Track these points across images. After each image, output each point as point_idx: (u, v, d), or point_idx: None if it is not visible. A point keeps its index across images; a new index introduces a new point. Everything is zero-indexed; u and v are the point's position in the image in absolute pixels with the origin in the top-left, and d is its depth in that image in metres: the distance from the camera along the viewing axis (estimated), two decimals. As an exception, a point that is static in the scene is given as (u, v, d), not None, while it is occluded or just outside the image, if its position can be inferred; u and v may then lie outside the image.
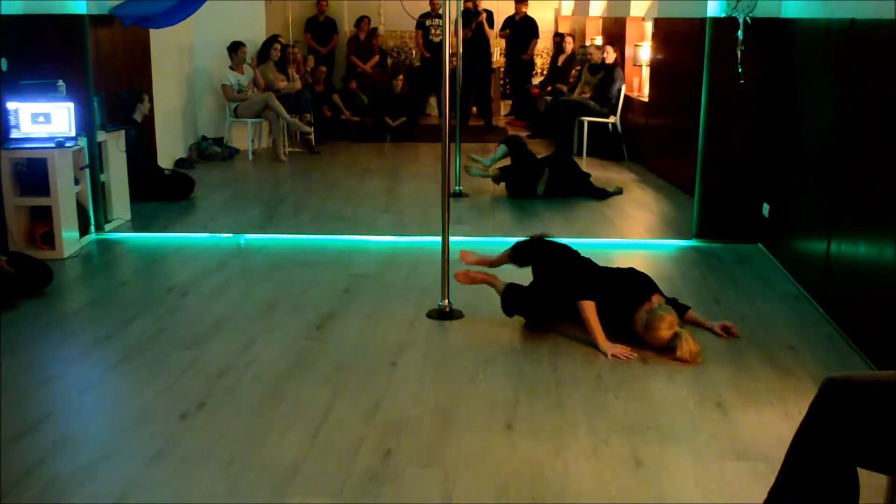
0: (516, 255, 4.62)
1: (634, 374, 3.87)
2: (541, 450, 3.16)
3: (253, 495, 2.86)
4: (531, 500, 2.83)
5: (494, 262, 4.79)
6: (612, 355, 4.02)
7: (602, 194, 7.63)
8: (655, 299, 4.20)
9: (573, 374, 3.85)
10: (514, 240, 4.63)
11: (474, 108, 12.44)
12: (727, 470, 3.03)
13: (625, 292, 4.23)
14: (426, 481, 2.94)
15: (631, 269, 4.49)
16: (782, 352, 4.11)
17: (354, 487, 2.90)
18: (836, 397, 2.14)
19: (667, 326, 4.03)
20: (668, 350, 4.02)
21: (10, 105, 5.78)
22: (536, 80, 12.89)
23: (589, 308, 4.15)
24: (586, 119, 9.72)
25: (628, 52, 10.16)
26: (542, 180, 7.59)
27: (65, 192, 5.72)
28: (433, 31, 11.70)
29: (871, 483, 2.35)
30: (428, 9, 11.72)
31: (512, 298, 4.45)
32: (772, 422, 3.40)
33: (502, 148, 7.92)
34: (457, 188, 7.62)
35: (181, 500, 2.83)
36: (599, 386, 3.73)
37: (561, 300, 4.33)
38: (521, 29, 12.20)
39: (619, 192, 7.77)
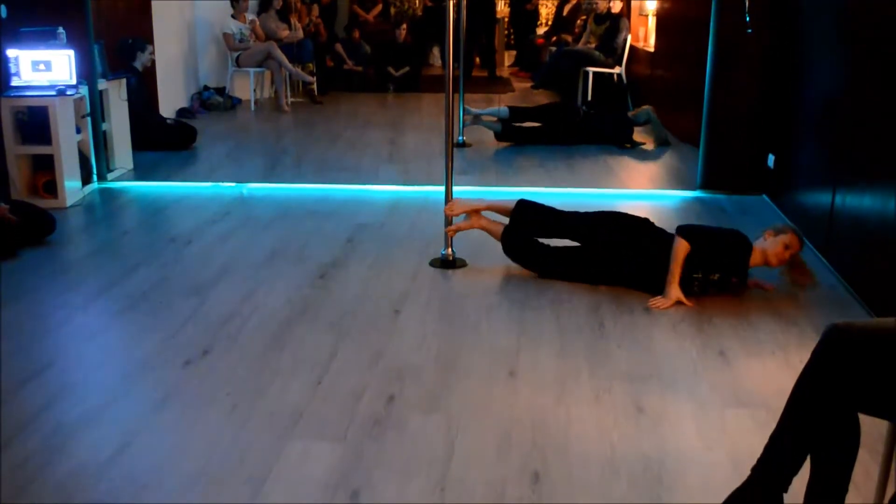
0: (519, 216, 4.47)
1: (637, 322, 3.87)
2: (543, 397, 3.18)
3: (257, 440, 2.88)
4: (533, 446, 2.85)
5: (492, 208, 4.58)
6: (677, 299, 4.03)
7: (627, 143, 7.68)
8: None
9: (576, 322, 3.86)
10: (516, 190, 4.55)
11: (478, 59, 12.33)
12: (728, 417, 3.04)
13: (733, 251, 4.19)
14: (429, 427, 2.96)
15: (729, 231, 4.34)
16: (785, 302, 4.11)
17: (358, 432, 2.92)
18: (838, 343, 2.14)
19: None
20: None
21: (11, 52, 5.73)
22: (541, 31, 12.77)
23: (684, 249, 4.08)
24: (591, 69, 9.63)
25: (634, 1, 10.04)
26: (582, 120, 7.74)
27: (66, 141, 5.69)
28: (437, -21, 11.58)
29: (871, 429, 2.36)
30: (432, -43, 11.59)
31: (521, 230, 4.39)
32: (773, 370, 3.42)
33: (504, 110, 7.82)
34: (460, 138, 7.58)
35: (185, 446, 2.85)
36: (602, 334, 3.74)
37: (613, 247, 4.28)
38: (527, -22, 12.08)
39: (643, 143, 7.76)
